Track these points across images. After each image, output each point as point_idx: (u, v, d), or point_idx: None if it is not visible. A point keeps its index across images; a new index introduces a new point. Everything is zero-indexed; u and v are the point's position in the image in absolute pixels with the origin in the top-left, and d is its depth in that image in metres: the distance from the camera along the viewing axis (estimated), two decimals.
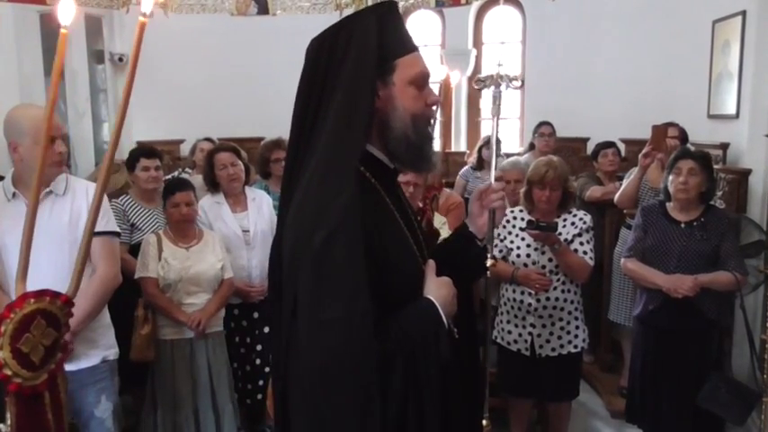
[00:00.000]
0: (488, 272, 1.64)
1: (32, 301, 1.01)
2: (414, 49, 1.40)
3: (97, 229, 2.35)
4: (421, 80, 1.38)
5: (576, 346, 3.05)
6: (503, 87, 1.72)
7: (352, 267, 1.21)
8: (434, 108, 1.44)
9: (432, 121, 1.44)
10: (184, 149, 6.10)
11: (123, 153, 6.14)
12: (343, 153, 1.29)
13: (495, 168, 1.78)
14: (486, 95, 1.77)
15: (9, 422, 1.01)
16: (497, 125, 1.77)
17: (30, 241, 1.01)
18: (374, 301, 1.22)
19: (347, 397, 1.18)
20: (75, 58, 6.35)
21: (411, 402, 1.26)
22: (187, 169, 5.02)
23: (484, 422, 1.70)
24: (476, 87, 1.80)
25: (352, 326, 1.18)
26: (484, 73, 1.77)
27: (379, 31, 1.32)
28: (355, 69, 1.31)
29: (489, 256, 1.62)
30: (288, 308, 1.29)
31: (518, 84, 1.73)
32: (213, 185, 3.49)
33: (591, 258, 3.00)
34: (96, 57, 6.66)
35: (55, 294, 1.04)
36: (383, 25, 1.34)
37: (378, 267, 1.27)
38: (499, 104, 1.73)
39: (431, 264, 1.45)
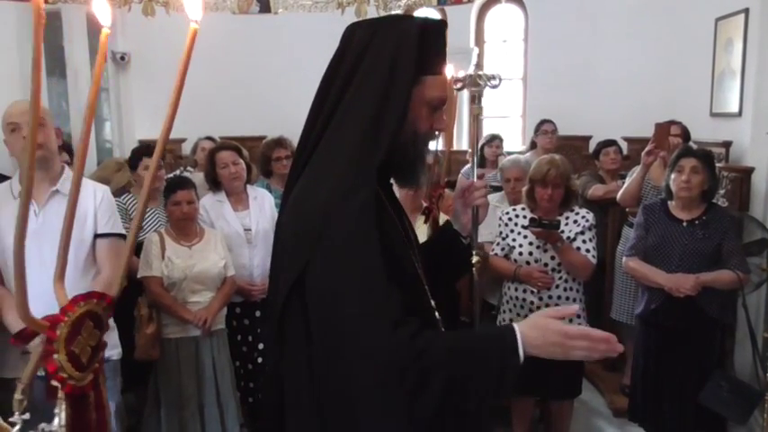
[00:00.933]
0: (474, 269, 1.64)
1: (82, 303, 1.03)
2: (443, 72, 1.38)
3: (104, 231, 2.38)
4: (437, 104, 1.36)
5: None
6: (482, 86, 1.70)
7: (372, 261, 1.18)
8: (437, 133, 1.42)
9: (430, 144, 1.41)
10: (186, 148, 6.10)
11: (125, 152, 6.17)
12: (369, 153, 1.27)
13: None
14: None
15: (59, 422, 1.02)
16: (479, 125, 1.78)
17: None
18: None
19: (365, 395, 1.14)
20: (78, 56, 6.36)
21: (447, 414, 1.17)
22: (189, 168, 5.02)
23: None
24: (455, 88, 1.79)
25: (376, 323, 1.13)
26: (461, 73, 1.74)
27: (419, 43, 1.30)
28: (392, 73, 1.28)
29: (474, 253, 1.62)
30: (283, 296, 1.24)
31: (496, 82, 1.70)
32: (215, 184, 3.49)
33: (593, 256, 3.00)
34: None
35: (101, 296, 1.06)
36: (427, 36, 1.32)
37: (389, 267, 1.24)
38: (479, 104, 1.72)
39: (561, 311, 1.26)
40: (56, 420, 1.03)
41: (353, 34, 1.34)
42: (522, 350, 1.16)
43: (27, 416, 1.05)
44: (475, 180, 1.62)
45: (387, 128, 1.28)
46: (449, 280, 1.51)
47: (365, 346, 1.13)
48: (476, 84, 1.70)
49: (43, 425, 1.04)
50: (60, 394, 1.03)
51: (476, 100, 1.71)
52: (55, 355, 0.99)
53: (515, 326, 1.19)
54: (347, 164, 1.26)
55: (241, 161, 3.46)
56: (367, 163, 1.26)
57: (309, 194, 1.27)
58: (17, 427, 1.03)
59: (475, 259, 1.62)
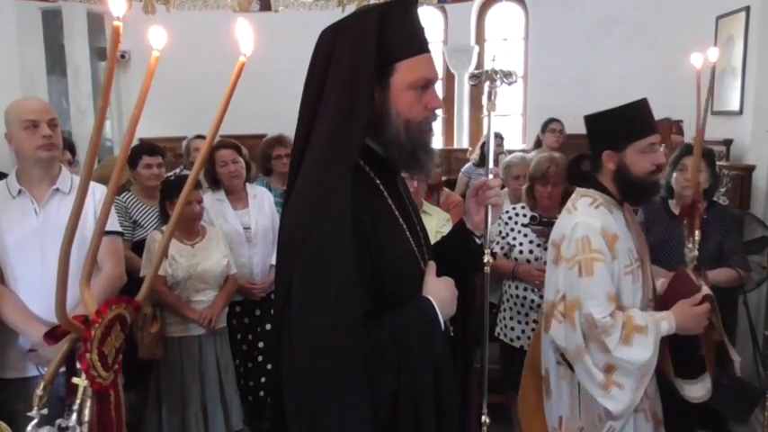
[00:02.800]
0: (486, 268, 1.62)
1: (114, 307, 1.11)
2: (419, 51, 1.34)
3: (105, 228, 2.38)
4: (421, 85, 1.33)
5: None
6: (497, 83, 1.64)
7: (343, 271, 1.21)
8: (435, 113, 1.38)
9: (430, 126, 1.38)
10: (184, 147, 6.10)
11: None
12: (339, 154, 1.28)
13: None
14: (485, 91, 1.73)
15: (77, 419, 1.08)
16: (491, 121, 1.71)
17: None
18: (370, 299, 1.25)
19: (333, 399, 1.20)
20: (78, 54, 6.35)
21: (404, 399, 1.25)
22: (187, 168, 5.01)
23: (484, 418, 1.70)
24: (470, 83, 1.75)
25: (340, 332, 1.20)
26: (476, 70, 1.75)
27: (380, 32, 1.28)
28: (353, 71, 1.28)
29: (486, 252, 1.60)
30: (280, 301, 1.32)
31: (513, 79, 1.65)
32: (214, 182, 3.48)
33: None
34: (99, 54, 6.67)
35: (129, 301, 1.15)
36: (388, 25, 1.30)
37: (373, 265, 1.28)
38: (494, 100, 1.67)
39: (431, 264, 1.43)
40: (73, 416, 1.08)
41: (323, 38, 1.36)
42: (441, 318, 1.34)
43: (45, 411, 1.10)
44: (489, 178, 1.59)
45: (354, 131, 1.28)
46: (462, 279, 1.49)
47: (329, 351, 1.21)
48: (491, 80, 1.64)
49: (60, 420, 1.08)
50: (82, 392, 1.09)
51: (491, 96, 1.65)
52: (87, 354, 1.07)
53: (431, 299, 1.35)
54: (322, 169, 1.29)
55: (240, 159, 3.46)
56: (340, 164, 1.27)
57: (295, 202, 1.35)
58: (34, 422, 1.08)
59: (486, 258, 1.60)
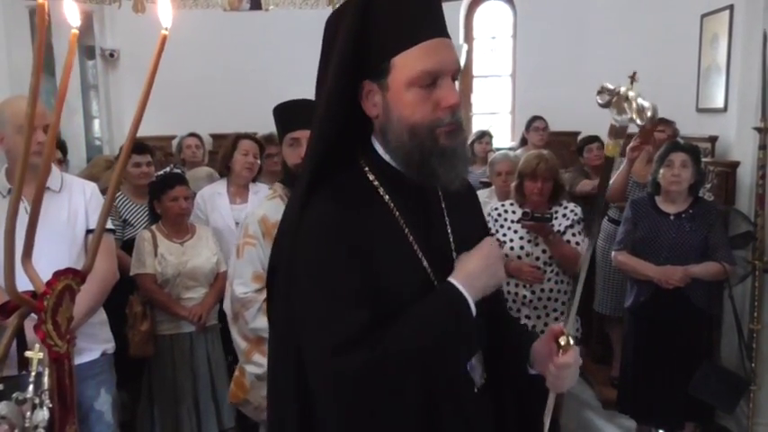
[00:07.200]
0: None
1: (63, 278, 1.16)
2: (417, 39, 1.09)
3: (93, 226, 2.38)
4: (426, 80, 1.09)
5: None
6: (627, 118, 1.10)
7: (324, 297, 1.08)
8: (449, 112, 1.11)
9: (448, 128, 1.12)
10: (176, 145, 6.09)
11: (115, 149, 6.14)
12: (310, 166, 1.16)
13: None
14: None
15: (44, 387, 1.14)
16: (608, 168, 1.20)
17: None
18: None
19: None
20: (66, 53, 6.31)
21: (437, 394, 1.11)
22: (178, 166, 5.00)
23: None
24: (598, 101, 1.15)
25: (323, 371, 1.06)
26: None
27: (365, 24, 1.09)
28: (333, 72, 1.12)
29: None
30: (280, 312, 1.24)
31: (650, 115, 1.08)
32: (225, 169, 3.49)
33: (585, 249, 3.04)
34: (87, 52, 6.63)
35: (75, 272, 1.20)
36: (375, 13, 1.09)
37: (365, 281, 1.10)
38: (618, 140, 1.15)
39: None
40: (30, 387, 1.13)
41: (326, 25, 1.20)
42: (470, 300, 1.12)
43: (1, 386, 1.16)
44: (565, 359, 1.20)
45: (323, 143, 1.15)
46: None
47: (311, 371, 1.10)
48: (621, 109, 1.11)
49: (17, 394, 1.12)
50: (36, 364, 1.15)
51: (615, 134, 1.13)
52: (43, 325, 1.13)
53: (453, 281, 1.14)
54: (305, 179, 1.16)
55: (258, 159, 3.50)
56: (303, 182, 1.16)
57: (285, 209, 1.27)
58: None
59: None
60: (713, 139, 4.22)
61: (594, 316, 4.30)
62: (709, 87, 4.49)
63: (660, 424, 3.23)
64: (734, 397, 2.98)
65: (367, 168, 1.18)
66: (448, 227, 1.24)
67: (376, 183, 1.17)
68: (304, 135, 2.12)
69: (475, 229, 1.30)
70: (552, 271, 3.04)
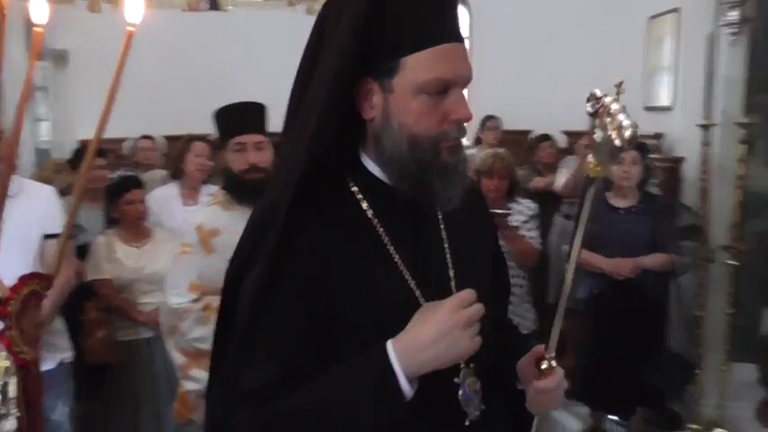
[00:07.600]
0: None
1: (29, 283, 1.14)
2: (438, 41, 0.96)
3: (52, 231, 2.33)
4: (437, 87, 0.97)
5: (526, 328, 3.16)
6: (610, 140, 1.03)
7: (268, 333, 0.98)
8: (456, 126, 1.01)
9: (451, 143, 1.01)
10: (128, 147, 5.95)
11: (65, 153, 5.95)
12: (294, 176, 1.00)
13: None
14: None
15: (10, 395, 1.09)
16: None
17: None
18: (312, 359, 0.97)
19: None
20: (14, 53, 6.10)
21: None
22: (131, 169, 4.89)
23: None
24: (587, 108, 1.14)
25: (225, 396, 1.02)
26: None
27: (377, 13, 0.95)
28: (334, 65, 0.97)
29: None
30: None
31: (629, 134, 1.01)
32: (176, 171, 3.45)
33: (539, 243, 3.14)
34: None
35: (41, 277, 1.18)
36: (393, 5, 0.96)
37: (327, 315, 0.99)
38: (601, 160, 1.08)
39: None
40: None
41: (321, 12, 1.06)
42: (400, 374, 0.91)
43: None
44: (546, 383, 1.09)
45: (304, 148, 1.00)
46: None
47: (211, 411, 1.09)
48: (602, 124, 1.05)
49: None
50: (3, 372, 1.12)
51: (598, 150, 1.06)
52: (8, 332, 1.10)
53: (388, 344, 0.94)
54: (288, 192, 1.02)
55: (211, 161, 3.45)
56: (296, 186, 1.00)
57: (253, 219, 1.14)
58: None
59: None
60: (659, 136, 4.38)
61: (549, 308, 4.40)
62: (656, 86, 4.67)
63: (613, 410, 3.34)
64: (682, 382, 3.12)
65: (350, 179, 1.06)
66: (445, 242, 1.10)
67: (359, 196, 1.05)
68: (251, 140, 2.08)
69: (479, 246, 1.18)
70: (508, 265, 3.10)
